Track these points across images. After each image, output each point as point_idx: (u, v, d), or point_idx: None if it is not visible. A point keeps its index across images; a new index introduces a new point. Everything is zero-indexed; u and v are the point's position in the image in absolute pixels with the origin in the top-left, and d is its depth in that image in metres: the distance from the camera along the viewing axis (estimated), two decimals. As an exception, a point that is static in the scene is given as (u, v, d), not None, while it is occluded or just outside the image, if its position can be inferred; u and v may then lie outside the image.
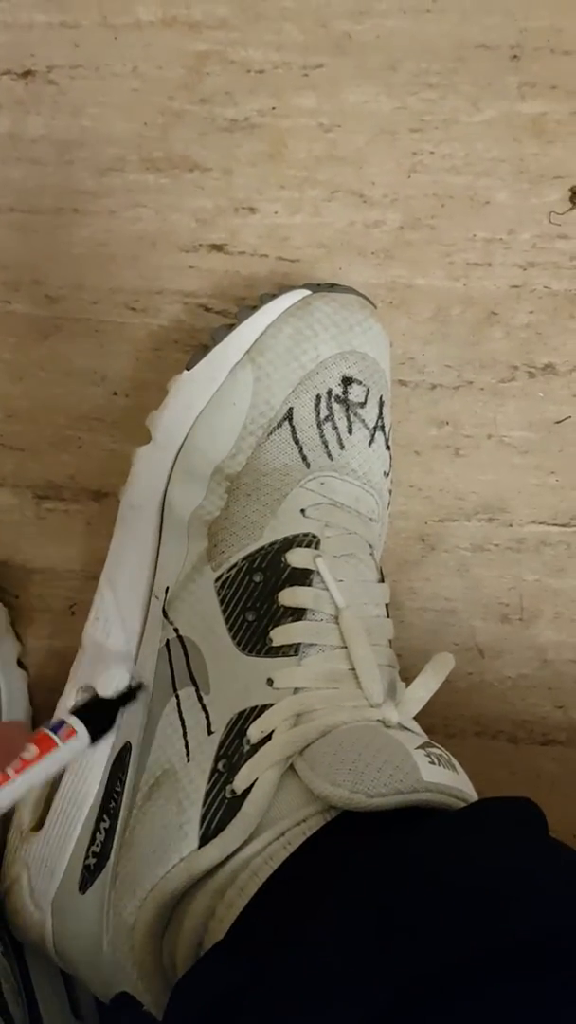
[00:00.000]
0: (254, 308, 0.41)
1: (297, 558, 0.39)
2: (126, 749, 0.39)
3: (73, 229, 0.49)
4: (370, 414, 0.42)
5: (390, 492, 0.44)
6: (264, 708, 0.37)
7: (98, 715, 0.39)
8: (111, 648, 0.41)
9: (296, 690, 0.37)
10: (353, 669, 0.38)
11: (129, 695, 0.40)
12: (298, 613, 0.38)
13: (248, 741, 0.36)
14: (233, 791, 0.35)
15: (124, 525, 0.43)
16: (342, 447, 0.41)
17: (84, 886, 0.38)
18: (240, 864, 0.34)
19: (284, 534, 0.39)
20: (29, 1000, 0.40)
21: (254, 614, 0.38)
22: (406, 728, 0.37)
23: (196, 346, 0.48)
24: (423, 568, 0.49)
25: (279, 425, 0.40)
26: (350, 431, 0.41)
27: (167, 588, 0.41)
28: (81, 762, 0.40)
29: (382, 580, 0.41)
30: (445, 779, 0.34)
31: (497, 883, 0.29)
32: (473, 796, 0.35)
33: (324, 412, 0.41)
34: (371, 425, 0.42)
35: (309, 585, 0.39)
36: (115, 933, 0.36)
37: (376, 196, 0.48)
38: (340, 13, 0.47)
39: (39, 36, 0.49)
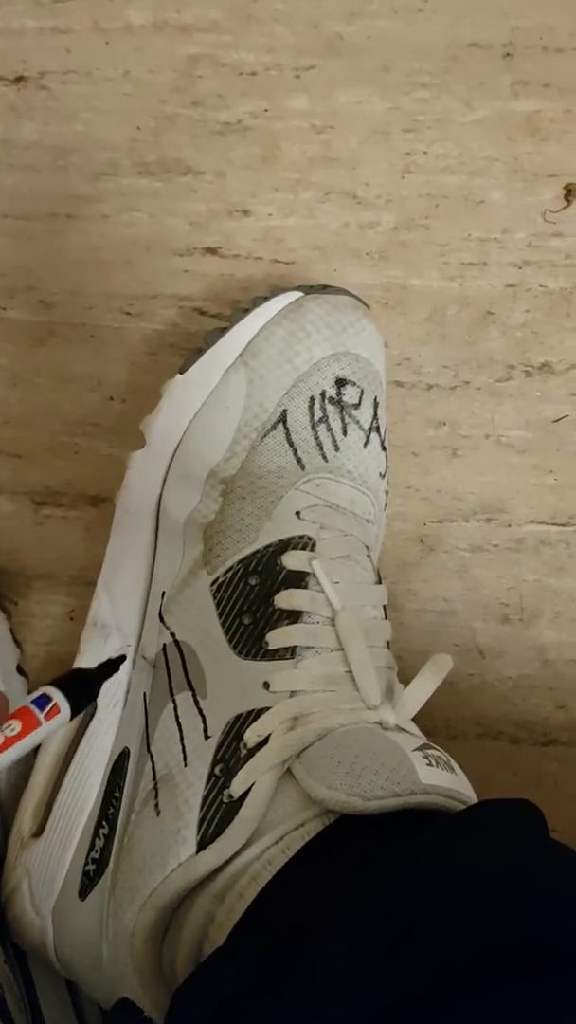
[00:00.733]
0: (247, 311, 0.41)
1: (293, 560, 0.39)
2: (124, 755, 0.39)
3: (67, 234, 0.49)
4: (364, 415, 0.42)
5: (386, 493, 0.44)
6: (261, 712, 0.37)
7: (80, 687, 0.38)
8: (109, 652, 0.41)
9: (293, 693, 0.37)
10: (350, 671, 0.37)
11: (111, 666, 0.40)
12: (294, 616, 0.38)
13: (245, 745, 0.36)
14: (230, 795, 0.35)
15: (120, 530, 0.43)
16: (337, 449, 0.41)
17: (84, 893, 0.38)
18: (239, 869, 0.34)
19: (279, 536, 0.39)
20: (33, 1008, 0.40)
21: (250, 617, 0.38)
22: (404, 730, 0.37)
23: (191, 350, 0.48)
24: (422, 569, 0.48)
25: (273, 427, 0.40)
26: (344, 432, 0.41)
27: (163, 592, 0.41)
28: (79, 768, 0.40)
29: (379, 581, 0.41)
30: (443, 781, 0.34)
31: (498, 885, 0.29)
32: (472, 797, 0.35)
33: (318, 414, 0.41)
34: (366, 426, 0.42)
35: (305, 587, 0.38)
36: (115, 939, 0.36)
37: (370, 197, 0.48)
38: (331, 14, 0.47)
39: (31, 42, 0.48)
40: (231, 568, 0.39)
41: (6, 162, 0.49)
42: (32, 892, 0.39)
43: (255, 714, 0.37)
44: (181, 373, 0.41)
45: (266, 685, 0.37)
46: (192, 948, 0.34)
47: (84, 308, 0.49)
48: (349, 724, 0.36)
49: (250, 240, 0.48)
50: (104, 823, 0.38)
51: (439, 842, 0.32)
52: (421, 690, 0.38)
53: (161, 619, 0.40)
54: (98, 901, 0.37)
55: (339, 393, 0.41)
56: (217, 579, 0.39)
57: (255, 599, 0.39)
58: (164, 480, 0.41)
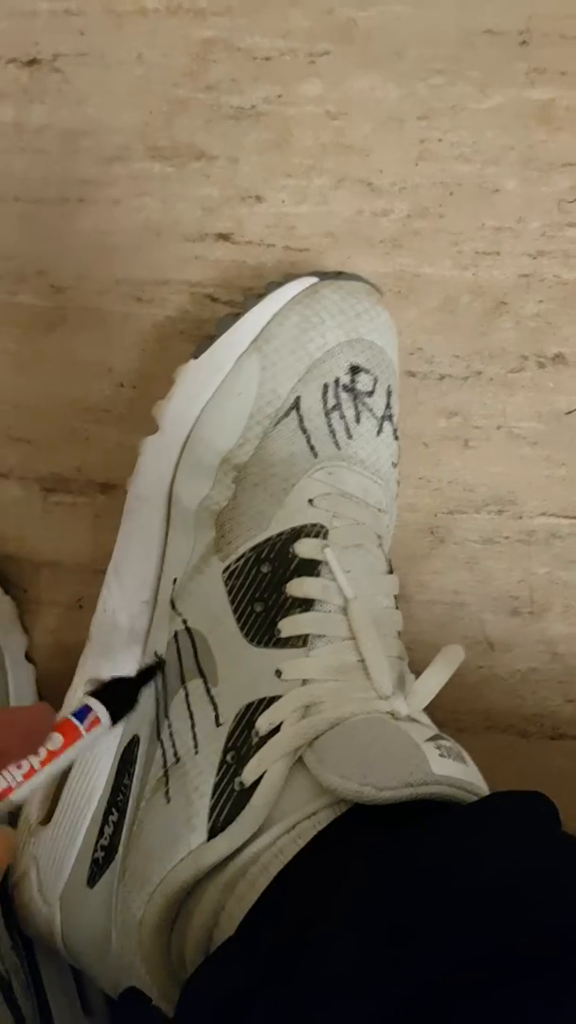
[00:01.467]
0: (260, 296, 0.41)
1: (305, 548, 0.39)
2: (134, 742, 0.39)
3: (78, 219, 0.48)
4: (378, 403, 0.41)
5: (398, 483, 0.43)
6: (272, 700, 0.36)
7: (119, 696, 0.38)
8: (119, 640, 0.41)
9: (305, 682, 0.37)
10: (362, 661, 0.37)
11: (149, 673, 0.39)
12: (306, 604, 0.38)
13: (257, 733, 0.36)
14: (242, 783, 0.35)
15: (131, 516, 0.42)
16: (350, 436, 0.41)
17: (92, 880, 0.38)
18: (250, 858, 0.34)
19: (292, 524, 0.39)
20: (39, 995, 0.40)
21: (262, 605, 0.38)
22: (415, 720, 0.37)
23: (202, 336, 0.47)
24: (432, 561, 0.48)
25: (286, 414, 0.40)
26: (358, 420, 0.41)
27: (175, 579, 0.40)
28: (89, 756, 0.40)
29: (391, 571, 0.41)
30: (455, 772, 0.34)
31: (510, 879, 0.29)
32: (484, 788, 0.35)
33: (331, 401, 0.40)
34: (379, 414, 0.41)
35: (317, 576, 0.38)
36: (123, 927, 0.36)
37: (383, 184, 0.47)
38: (346, -1, 0.47)
39: (43, 24, 0.48)
40: (243, 556, 0.39)
41: (17, 145, 0.48)
42: (40, 880, 0.39)
43: (267, 702, 0.36)
44: (195, 359, 0.41)
45: (278, 673, 0.37)
46: (202, 937, 0.34)
47: (94, 293, 0.48)
48: (361, 714, 0.36)
49: (262, 226, 0.48)
50: (113, 810, 0.38)
51: (451, 834, 0.32)
52: (433, 681, 0.38)
53: (172, 606, 0.40)
54: (107, 889, 0.37)
55: (353, 380, 0.41)
56: (229, 566, 0.39)
57: (267, 587, 0.38)
58: (176, 466, 0.41)
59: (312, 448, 0.40)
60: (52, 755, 0.33)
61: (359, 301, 0.41)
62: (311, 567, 0.38)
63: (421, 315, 0.47)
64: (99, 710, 0.36)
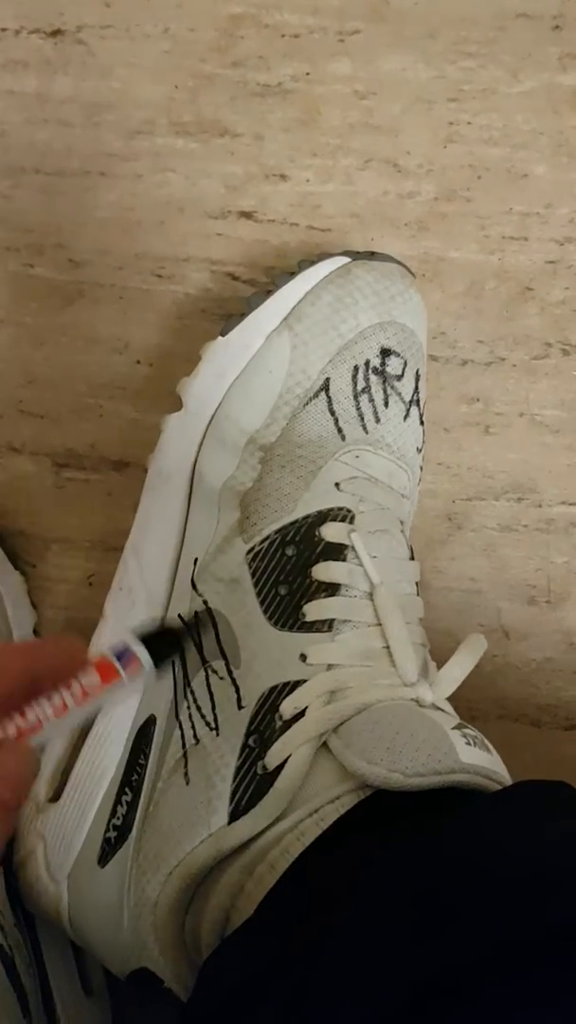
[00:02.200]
0: (292, 274, 0.40)
1: (331, 532, 0.38)
2: (150, 722, 0.38)
3: (99, 193, 0.48)
4: (406, 387, 0.41)
5: (421, 468, 0.43)
6: (297, 684, 0.36)
7: (163, 641, 0.33)
8: (135, 618, 0.41)
9: (330, 666, 0.36)
10: (387, 647, 0.37)
11: (198, 624, 0.38)
12: (332, 588, 0.37)
13: (280, 717, 0.35)
14: (264, 767, 0.35)
15: (152, 493, 0.42)
16: (378, 420, 0.40)
17: (104, 860, 0.37)
18: (271, 841, 0.33)
19: (318, 507, 0.39)
20: (40, 973, 0.39)
21: (286, 588, 0.38)
22: (439, 708, 0.36)
23: (226, 314, 0.47)
24: (449, 547, 0.48)
25: (315, 396, 0.39)
26: (386, 404, 0.40)
27: (196, 559, 0.40)
28: (100, 734, 0.39)
29: (412, 558, 0.41)
30: (481, 760, 0.34)
31: (534, 869, 0.28)
32: (507, 778, 0.35)
33: (361, 384, 0.40)
34: (407, 399, 0.41)
35: (343, 560, 0.38)
36: (137, 908, 0.36)
37: (411, 166, 0.47)
38: (379, -22, 0.46)
39: (69, -7, 0.47)
40: (268, 538, 0.38)
41: (40, 117, 0.48)
42: (47, 858, 0.39)
43: (291, 686, 0.36)
44: (222, 336, 0.40)
45: (303, 657, 0.36)
46: (218, 918, 0.34)
47: (114, 268, 0.48)
48: (387, 700, 0.35)
49: (286, 205, 0.47)
50: (127, 790, 0.38)
51: (473, 823, 0.32)
52: (458, 669, 0.38)
53: (193, 586, 0.39)
54: (119, 869, 0.37)
55: (383, 363, 0.40)
56: (253, 548, 0.39)
57: (292, 570, 0.38)
58: (200, 444, 0.40)
59: (340, 431, 0.40)
60: (87, 694, 0.29)
61: (393, 283, 0.40)
62: (337, 551, 0.38)
63: (445, 299, 0.47)
64: (140, 652, 0.30)
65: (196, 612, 0.38)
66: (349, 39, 0.47)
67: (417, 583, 0.40)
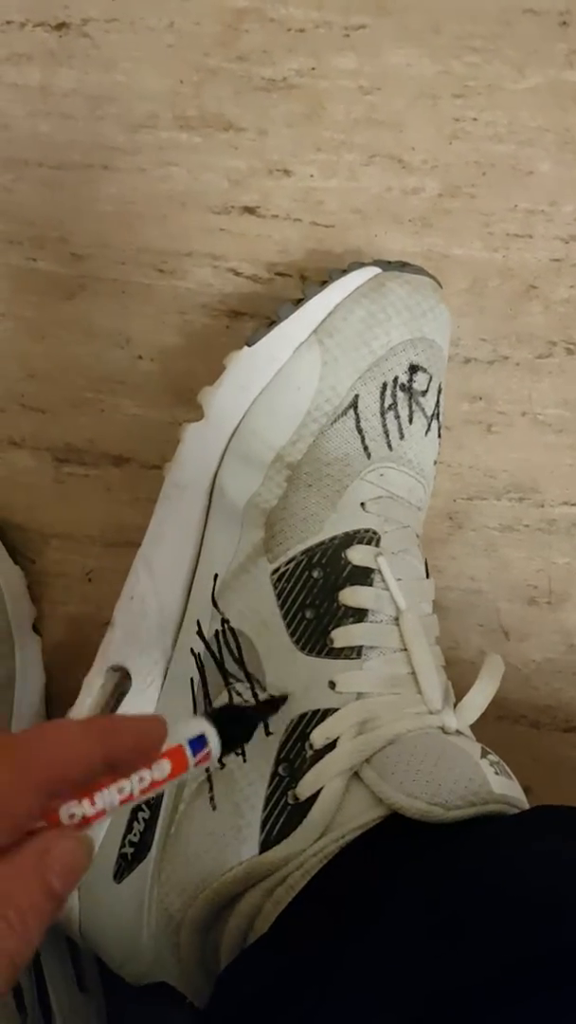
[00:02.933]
0: (323, 284, 0.40)
1: (358, 556, 0.38)
2: None
3: (101, 186, 0.47)
4: (429, 402, 0.40)
5: (434, 478, 0.43)
6: (327, 712, 0.36)
7: (234, 725, 0.32)
8: (146, 629, 0.40)
9: (359, 695, 0.36)
10: (413, 673, 0.37)
11: (271, 705, 0.37)
12: (359, 614, 0.37)
13: (311, 746, 0.35)
14: (296, 797, 0.35)
15: (168, 504, 0.41)
16: (402, 437, 0.40)
17: (120, 875, 0.37)
18: (294, 866, 0.33)
19: (345, 529, 0.38)
20: (36, 970, 0.39)
21: (313, 612, 0.37)
22: (462, 734, 0.36)
23: (228, 310, 0.47)
24: (449, 546, 0.47)
25: (344, 413, 0.39)
26: (411, 420, 0.40)
27: (216, 575, 0.39)
28: None
29: (428, 576, 0.40)
30: (509, 790, 0.34)
31: (550, 892, 0.28)
32: (524, 801, 0.35)
33: (388, 400, 0.39)
34: (429, 413, 0.40)
35: (370, 585, 0.38)
36: (159, 927, 0.36)
37: (415, 162, 0.46)
38: (385, -28, 0.46)
39: (74, -14, 0.47)
40: (294, 559, 0.38)
41: (43, 109, 0.48)
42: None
43: (321, 714, 0.36)
44: (249, 345, 0.39)
45: (332, 684, 0.36)
46: (237, 938, 0.34)
47: (115, 263, 0.48)
48: (415, 729, 0.35)
49: (289, 200, 0.47)
50: (144, 807, 0.37)
51: (492, 846, 0.32)
52: (481, 696, 0.37)
53: (214, 603, 0.39)
54: (137, 886, 0.37)
55: (410, 380, 0.40)
56: (279, 568, 0.38)
57: (319, 593, 0.37)
58: (222, 457, 0.40)
59: (366, 449, 0.39)
60: (154, 785, 0.28)
61: (425, 298, 0.40)
62: (364, 575, 0.38)
63: (448, 296, 0.46)
64: (213, 744, 0.30)
65: (272, 696, 0.37)
66: (354, 34, 0.46)
67: (433, 601, 0.40)
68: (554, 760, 0.47)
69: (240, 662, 0.37)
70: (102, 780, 0.27)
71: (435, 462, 0.42)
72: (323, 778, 0.34)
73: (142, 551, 0.41)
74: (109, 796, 0.27)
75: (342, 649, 0.37)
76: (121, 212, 0.47)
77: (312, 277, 0.43)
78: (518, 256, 0.46)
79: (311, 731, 0.35)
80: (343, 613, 0.37)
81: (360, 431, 0.39)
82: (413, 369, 0.40)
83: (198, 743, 0.29)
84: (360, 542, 0.38)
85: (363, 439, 0.39)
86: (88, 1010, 0.42)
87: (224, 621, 0.38)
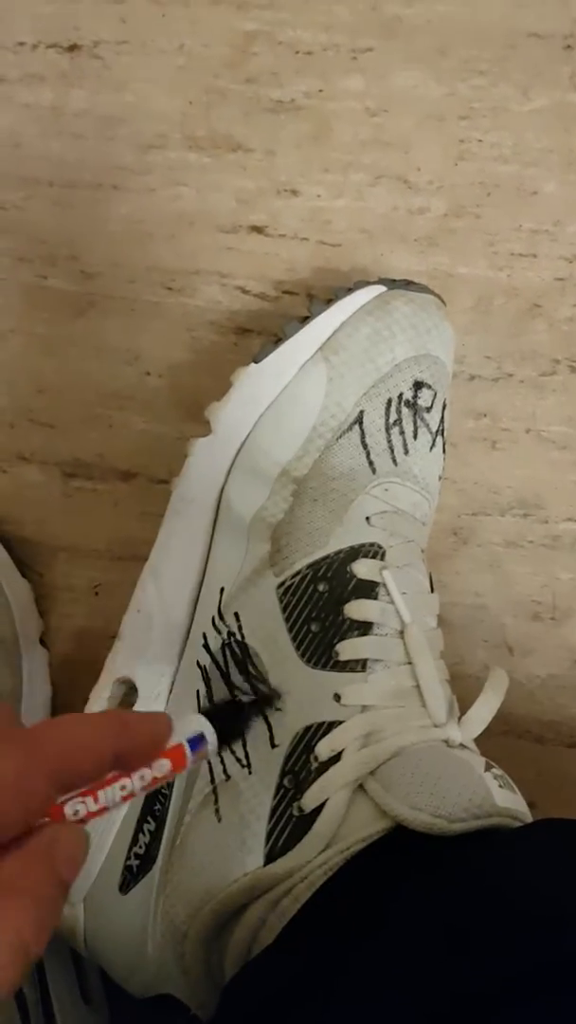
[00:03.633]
0: (329, 302, 0.40)
1: (363, 569, 0.38)
2: None
3: (112, 205, 0.48)
4: (434, 418, 0.41)
5: (439, 494, 0.43)
6: (332, 725, 0.36)
7: (229, 721, 0.34)
8: (153, 642, 0.40)
9: (364, 708, 0.36)
10: (417, 686, 0.37)
11: (265, 701, 0.37)
12: (364, 627, 0.37)
13: (316, 758, 0.35)
14: (301, 809, 0.35)
15: (175, 517, 0.41)
16: (407, 452, 0.40)
17: (125, 887, 0.37)
18: (299, 878, 0.33)
19: (350, 543, 0.39)
20: (40, 982, 0.39)
21: (319, 625, 0.38)
22: (466, 747, 0.37)
23: (236, 327, 0.47)
24: (454, 562, 0.48)
25: (349, 428, 0.39)
26: (415, 436, 0.40)
27: (222, 588, 0.40)
28: None
29: (432, 590, 0.41)
30: (512, 803, 0.34)
31: (554, 902, 0.28)
32: (528, 814, 0.35)
33: (393, 416, 0.40)
34: (434, 429, 0.41)
35: (375, 598, 0.38)
36: (164, 939, 0.36)
37: (421, 182, 0.47)
38: (392, -4, 0.47)
39: (86, 9, 0.48)
40: (299, 572, 0.38)
41: (54, 129, 0.48)
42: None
43: (326, 727, 0.36)
44: (256, 362, 0.40)
45: (337, 697, 0.36)
46: (241, 950, 0.34)
47: (125, 281, 0.48)
48: (420, 742, 0.35)
49: (297, 220, 0.48)
50: (149, 819, 0.38)
51: (495, 857, 0.32)
52: (486, 709, 0.38)
53: (220, 616, 0.39)
54: (142, 898, 0.37)
55: (415, 396, 0.40)
56: (284, 582, 0.38)
57: (324, 606, 0.38)
58: (229, 472, 0.40)
59: (371, 464, 0.40)
60: (156, 782, 0.29)
61: (429, 316, 0.40)
62: (369, 588, 0.38)
63: (453, 315, 0.47)
64: (210, 739, 0.31)
65: (267, 690, 0.37)
66: (361, 56, 0.47)
67: (438, 616, 0.40)
68: (558, 775, 0.47)
69: (246, 675, 0.38)
70: (105, 778, 0.28)
71: (440, 477, 0.42)
72: (328, 790, 0.35)
73: (149, 564, 0.42)
74: (112, 794, 0.28)
75: (347, 662, 0.37)
76: (131, 231, 0.48)
77: (318, 295, 0.44)
78: (522, 275, 0.47)
79: (316, 743, 0.36)
80: (348, 626, 0.37)
81: (365, 446, 0.39)
82: (418, 385, 0.40)
83: (196, 741, 0.30)
84: (365, 556, 0.38)
85: (368, 454, 0.39)
86: (92, 1022, 0.42)
87: (230, 634, 0.39)
